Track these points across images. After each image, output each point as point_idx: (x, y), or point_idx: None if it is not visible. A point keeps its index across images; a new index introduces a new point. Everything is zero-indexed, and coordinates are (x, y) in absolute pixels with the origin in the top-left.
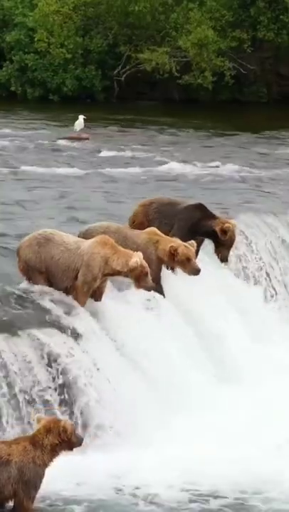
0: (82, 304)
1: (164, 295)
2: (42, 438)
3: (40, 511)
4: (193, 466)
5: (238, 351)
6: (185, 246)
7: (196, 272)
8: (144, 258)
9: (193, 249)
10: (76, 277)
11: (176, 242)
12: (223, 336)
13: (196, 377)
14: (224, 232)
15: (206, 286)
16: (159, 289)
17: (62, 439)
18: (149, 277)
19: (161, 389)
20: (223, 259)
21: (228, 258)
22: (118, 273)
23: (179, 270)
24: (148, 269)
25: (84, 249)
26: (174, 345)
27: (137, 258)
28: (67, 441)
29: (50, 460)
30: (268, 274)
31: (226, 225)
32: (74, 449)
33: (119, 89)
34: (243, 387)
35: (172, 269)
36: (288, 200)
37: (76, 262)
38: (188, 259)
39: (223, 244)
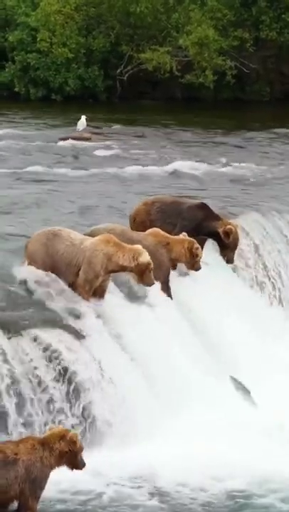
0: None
1: (171, 297)
2: (54, 442)
3: (44, 511)
4: (194, 464)
5: (239, 349)
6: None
7: (199, 269)
8: (154, 261)
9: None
10: (78, 274)
11: (192, 240)
12: (224, 334)
13: (197, 375)
14: (227, 234)
15: (208, 285)
16: (168, 291)
17: (71, 450)
18: (152, 274)
19: (162, 387)
20: (229, 260)
21: (233, 260)
22: (124, 269)
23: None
24: (152, 266)
25: (87, 245)
26: (175, 344)
27: (147, 254)
28: (74, 455)
29: (56, 465)
30: (269, 272)
31: (228, 227)
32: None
33: (121, 89)
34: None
35: (174, 267)
36: None
37: (78, 258)
38: (199, 259)
39: (228, 247)
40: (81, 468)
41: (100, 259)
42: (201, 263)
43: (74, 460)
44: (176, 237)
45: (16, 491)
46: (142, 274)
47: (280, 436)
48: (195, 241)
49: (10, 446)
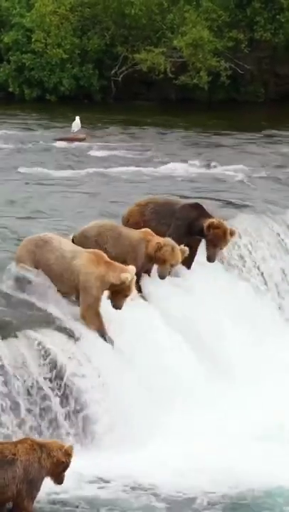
0: (97, 327)
1: (141, 291)
2: (53, 449)
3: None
4: (193, 465)
5: (234, 350)
6: (173, 250)
7: (161, 276)
8: (134, 254)
9: (180, 256)
10: (71, 287)
11: (169, 241)
12: (223, 334)
13: (196, 375)
14: (208, 227)
15: (202, 285)
16: (137, 286)
17: (66, 461)
18: (124, 300)
19: (157, 388)
20: (209, 258)
21: (214, 258)
22: (114, 287)
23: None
24: (130, 294)
25: (78, 265)
26: (173, 345)
27: (128, 274)
28: (65, 467)
29: (50, 471)
30: (262, 273)
31: (210, 220)
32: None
33: (116, 90)
34: (237, 385)
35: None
36: (286, 200)
37: (70, 274)
38: (164, 261)
39: (208, 240)
40: (61, 484)
41: (93, 283)
42: (163, 273)
43: (62, 473)
44: (163, 238)
45: (13, 491)
46: (118, 294)
47: (280, 436)
48: (173, 243)
49: (8, 446)
